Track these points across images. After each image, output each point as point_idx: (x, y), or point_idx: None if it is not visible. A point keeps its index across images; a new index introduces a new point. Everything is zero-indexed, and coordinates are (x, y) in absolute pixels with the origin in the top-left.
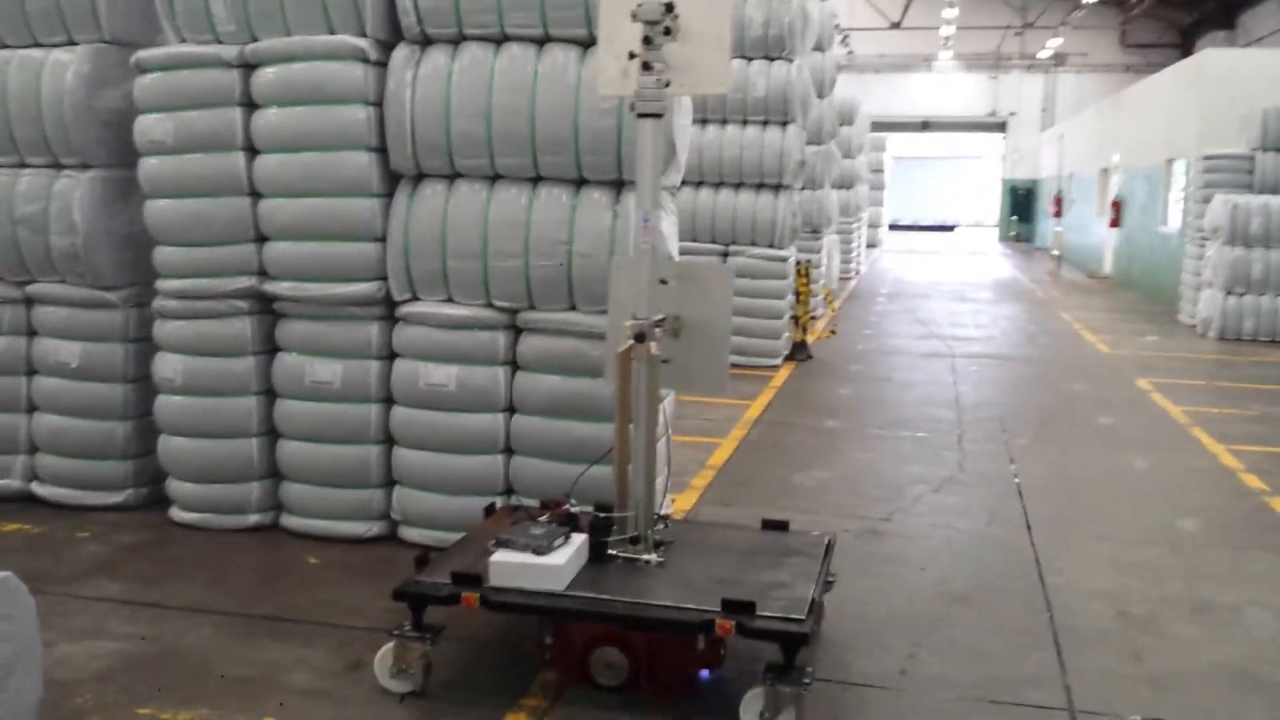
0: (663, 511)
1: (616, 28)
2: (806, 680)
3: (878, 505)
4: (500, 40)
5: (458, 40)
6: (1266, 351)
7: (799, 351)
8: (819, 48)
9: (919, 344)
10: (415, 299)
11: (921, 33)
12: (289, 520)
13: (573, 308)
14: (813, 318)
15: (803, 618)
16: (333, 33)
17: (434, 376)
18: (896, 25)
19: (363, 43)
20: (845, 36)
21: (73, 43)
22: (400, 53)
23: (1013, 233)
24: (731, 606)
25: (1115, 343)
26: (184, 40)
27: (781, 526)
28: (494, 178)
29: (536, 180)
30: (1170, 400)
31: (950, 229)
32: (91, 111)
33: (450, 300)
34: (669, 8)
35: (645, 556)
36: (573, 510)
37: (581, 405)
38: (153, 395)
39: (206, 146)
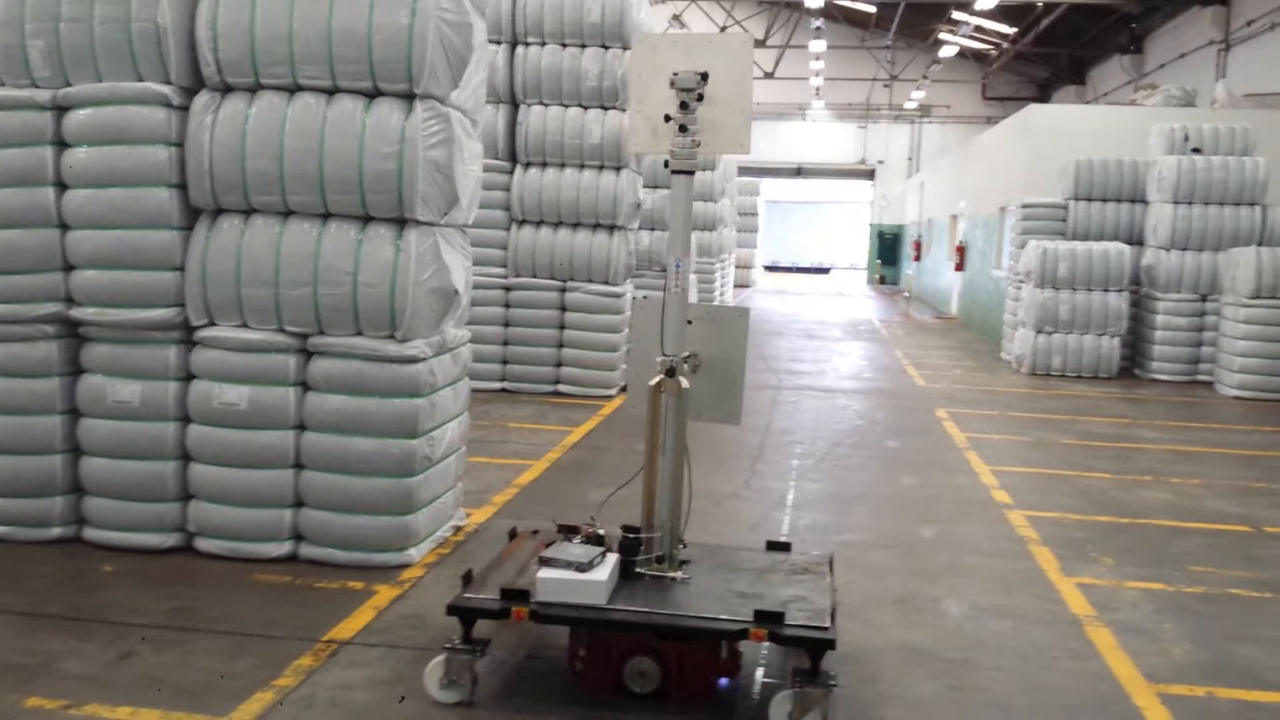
0: (456, 523)
1: (648, 92)
2: (833, 683)
3: None
4: (294, 90)
5: (255, 89)
6: (1068, 386)
7: None
8: None
9: (754, 377)
10: (211, 324)
11: (795, 83)
12: (90, 533)
13: (359, 333)
14: None
15: (827, 625)
16: (140, 79)
17: (227, 396)
18: (769, 75)
19: (166, 89)
20: None
21: None
22: (201, 98)
23: (879, 275)
24: (763, 617)
25: (933, 377)
26: (2, 84)
27: (784, 547)
28: (287, 213)
29: (326, 216)
30: (959, 427)
31: (825, 271)
32: None
33: (244, 325)
34: (704, 77)
35: (672, 574)
36: (600, 532)
37: (366, 422)
38: None
39: (19, 181)
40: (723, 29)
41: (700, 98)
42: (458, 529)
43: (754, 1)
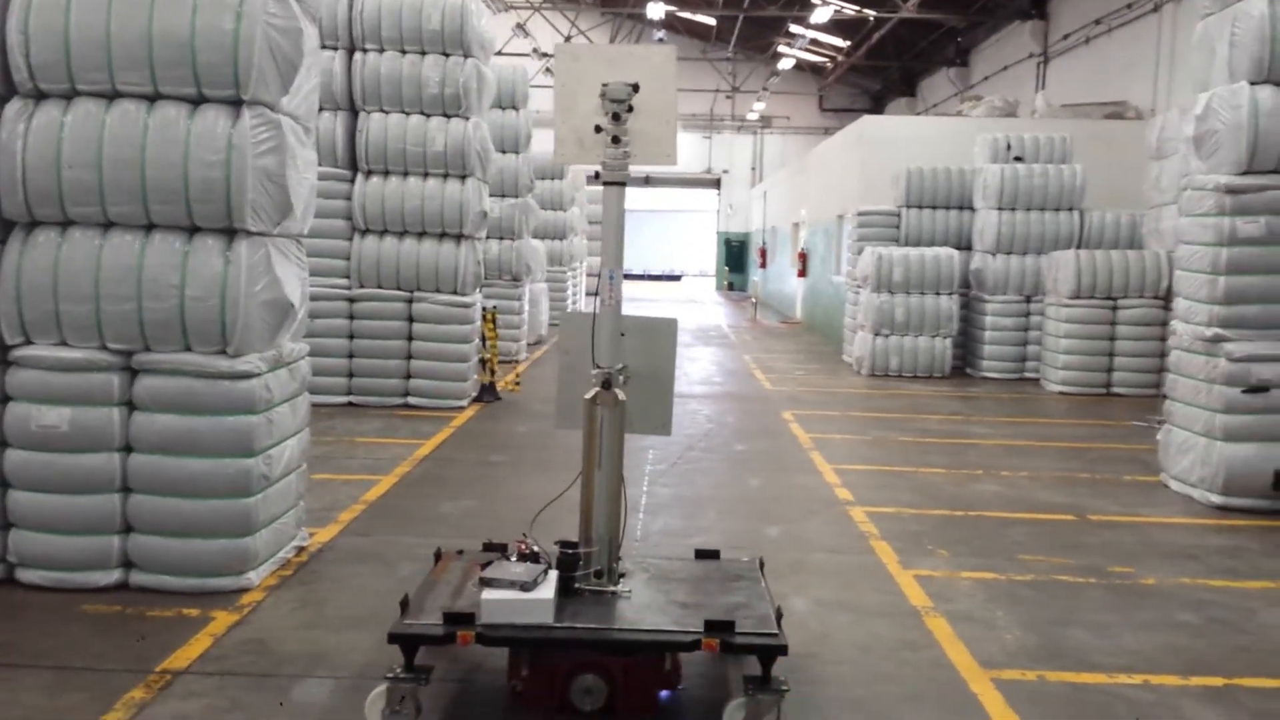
0: (299, 543)
1: (573, 103)
2: (785, 688)
3: (511, 528)
4: (113, 96)
5: (71, 95)
6: (906, 385)
7: (487, 393)
8: (513, 106)
9: None
10: (28, 342)
11: None
12: None
13: (188, 348)
14: (505, 361)
15: (776, 632)
16: None
17: (47, 418)
18: None
19: None
20: None
21: None
22: (12, 106)
23: (727, 282)
24: (714, 626)
25: (779, 380)
26: None
27: (714, 555)
28: (107, 225)
29: (150, 228)
30: (804, 429)
31: (677, 278)
32: None
33: (64, 343)
34: (635, 88)
35: (612, 588)
36: (535, 548)
37: (197, 442)
38: None
39: None
40: (567, 38)
41: (630, 108)
42: (300, 549)
43: (598, 12)
